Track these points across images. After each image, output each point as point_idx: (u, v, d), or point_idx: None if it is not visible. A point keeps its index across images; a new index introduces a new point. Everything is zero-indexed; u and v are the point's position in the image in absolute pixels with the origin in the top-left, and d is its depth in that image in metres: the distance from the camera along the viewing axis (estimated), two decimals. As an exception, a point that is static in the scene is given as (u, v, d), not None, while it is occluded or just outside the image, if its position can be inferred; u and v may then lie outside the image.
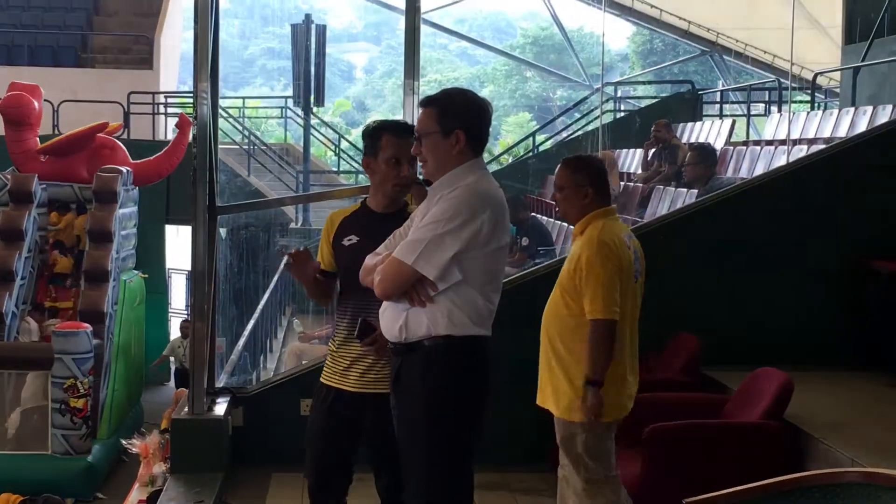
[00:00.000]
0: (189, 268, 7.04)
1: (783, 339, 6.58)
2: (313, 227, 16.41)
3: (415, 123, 3.82)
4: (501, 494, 6.06)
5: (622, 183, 11.45)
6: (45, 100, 12.44)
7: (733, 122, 12.72)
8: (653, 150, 11.32)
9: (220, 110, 7.34)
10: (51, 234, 10.91)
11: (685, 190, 9.50)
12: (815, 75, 13.80)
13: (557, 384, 4.41)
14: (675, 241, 6.82)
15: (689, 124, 13.70)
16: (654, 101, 17.16)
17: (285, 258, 4.20)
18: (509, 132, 41.89)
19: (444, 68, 51.97)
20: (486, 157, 3.95)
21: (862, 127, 9.40)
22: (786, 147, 9.63)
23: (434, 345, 3.62)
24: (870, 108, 9.94)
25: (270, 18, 58.77)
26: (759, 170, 9.53)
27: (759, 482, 3.34)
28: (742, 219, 6.86)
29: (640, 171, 11.62)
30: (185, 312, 14.04)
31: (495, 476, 6.10)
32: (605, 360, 4.28)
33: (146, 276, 11.79)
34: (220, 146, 7.11)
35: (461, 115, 3.65)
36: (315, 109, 19.05)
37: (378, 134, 4.09)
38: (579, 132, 16.25)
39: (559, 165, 4.58)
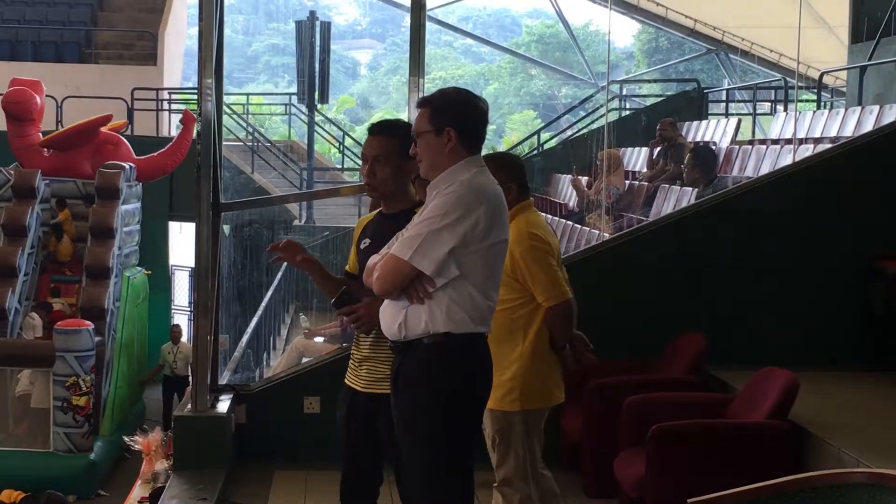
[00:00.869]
0: (192, 264, 7.02)
1: (789, 338, 6.56)
2: (317, 225, 16.41)
3: (412, 122, 3.85)
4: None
5: (627, 181, 11.43)
6: (48, 96, 12.44)
7: (739, 121, 12.69)
8: (658, 148, 11.30)
9: (224, 107, 7.33)
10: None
11: (690, 189, 9.48)
12: (822, 74, 13.77)
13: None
14: (680, 239, 6.81)
15: (695, 123, 13.67)
16: (659, 99, 17.12)
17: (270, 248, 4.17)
18: (514, 130, 41.86)
19: (449, 65, 51.97)
20: (490, 154, 3.95)
21: (868, 126, 9.36)
22: (792, 146, 9.59)
23: (433, 342, 3.62)
24: (876, 108, 9.90)
25: (275, 15, 58.86)
26: (765, 169, 9.50)
27: (764, 482, 3.32)
28: (748, 218, 6.83)
29: (645, 170, 11.60)
30: (189, 309, 14.01)
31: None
32: (571, 333, 4.58)
33: (149, 272, 11.78)
34: (223, 143, 7.08)
35: (452, 113, 3.67)
36: (319, 106, 19.03)
37: None
38: (584, 130, 16.19)
39: None
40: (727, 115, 15.55)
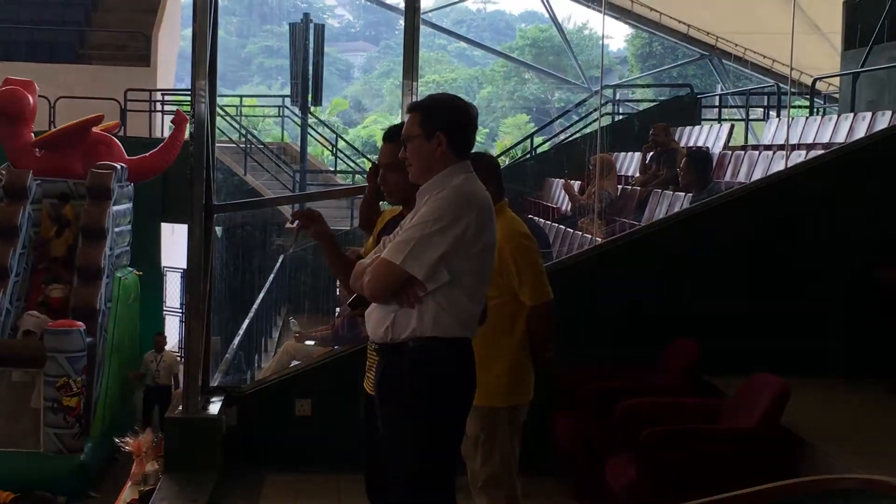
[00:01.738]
0: (184, 266, 7.00)
1: (781, 345, 6.55)
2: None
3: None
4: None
5: (620, 186, 11.43)
6: (41, 96, 12.39)
7: (732, 127, 12.68)
8: (651, 153, 11.29)
9: (217, 108, 7.32)
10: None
11: (683, 194, 9.48)
12: (815, 80, 13.78)
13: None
14: (673, 245, 6.80)
15: (688, 128, 13.67)
16: (652, 104, 17.13)
17: (295, 223, 4.14)
18: (507, 134, 41.91)
19: (443, 69, 52.02)
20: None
21: (861, 133, 9.37)
22: (784, 152, 9.60)
23: (419, 346, 3.65)
24: (869, 114, 9.92)
25: (269, 17, 58.88)
26: (758, 174, 9.50)
27: (755, 487, 3.32)
28: (740, 224, 6.83)
29: (638, 175, 11.59)
30: (180, 311, 13.97)
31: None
32: (551, 333, 4.66)
33: (141, 273, 11.75)
34: (217, 144, 7.08)
35: (442, 118, 3.70)
36: (312, 109, 19.04)
37: None
38: (577, 135, 16.19)
39: None
40: (720, 120, 15.54)
